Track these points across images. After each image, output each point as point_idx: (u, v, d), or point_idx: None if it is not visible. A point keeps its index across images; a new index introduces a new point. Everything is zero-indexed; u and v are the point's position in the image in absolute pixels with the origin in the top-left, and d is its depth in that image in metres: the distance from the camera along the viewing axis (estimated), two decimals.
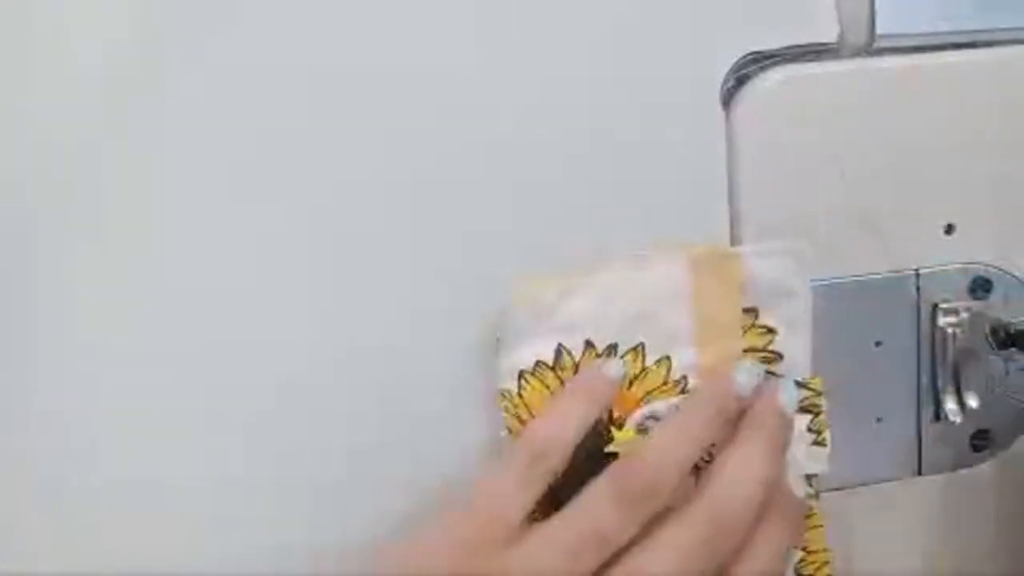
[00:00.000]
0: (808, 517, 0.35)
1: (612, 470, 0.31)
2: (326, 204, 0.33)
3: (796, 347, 0.35)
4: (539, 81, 0.33)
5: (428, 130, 0.33)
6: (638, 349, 0.34)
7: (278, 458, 0.34)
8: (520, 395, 0.33)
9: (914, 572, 0.39)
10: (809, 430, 0.34)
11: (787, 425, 0.33)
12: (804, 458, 0.34)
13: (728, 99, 0.34)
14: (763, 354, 0.34)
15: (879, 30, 0.35)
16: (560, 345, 0.34)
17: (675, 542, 0.30)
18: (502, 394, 0.34)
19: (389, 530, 0.34)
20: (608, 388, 0.33)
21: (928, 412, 0.38)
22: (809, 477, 0.35)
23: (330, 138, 0.32)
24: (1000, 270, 0.37)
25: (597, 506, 0.30)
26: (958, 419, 0.35)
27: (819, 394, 0.34)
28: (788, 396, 0.33)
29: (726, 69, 0.34)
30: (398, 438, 0.35)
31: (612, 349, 0.34)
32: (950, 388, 0.36)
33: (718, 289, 0.34)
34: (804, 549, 0.36)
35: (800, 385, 0.34)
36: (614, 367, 0.33)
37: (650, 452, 0.31)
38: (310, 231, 0.33)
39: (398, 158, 0.33)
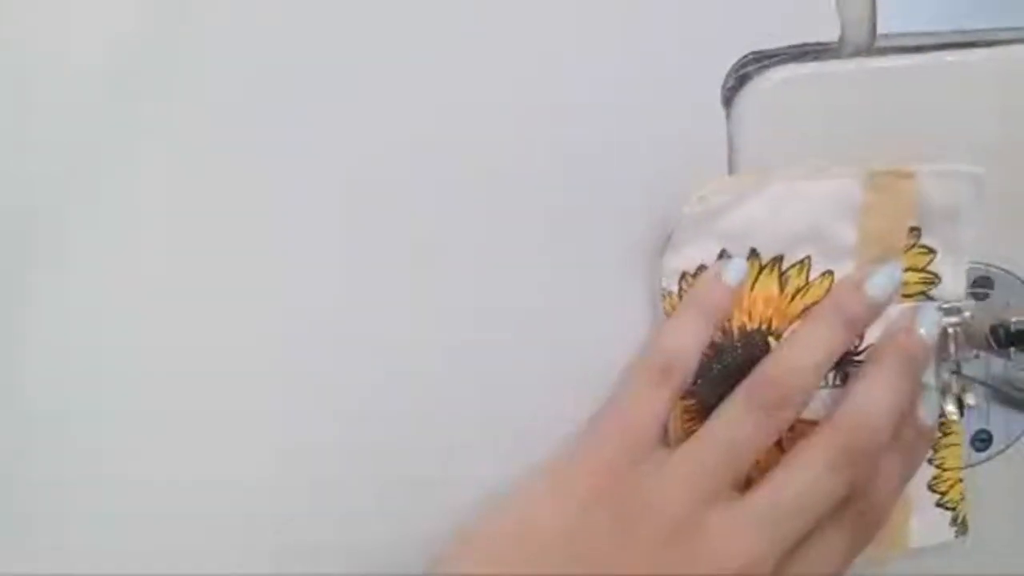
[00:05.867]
0: (947, 435, 0.36)
1: (746, 383, 0.32)
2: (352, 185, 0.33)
3: (950, 271, 0.35)
4: (538, 80, 0.33)
5: (423, 129, 0.33)
6: (804, 262, 0.34)
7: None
8: (680, 296, 0.33)
9: (915, 570, 0.39)
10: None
11: (922, 351, 0.33)
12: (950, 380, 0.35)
13: (728, 99, 0.34)
14: (922, 274, 0.34)
15: (880, 30, 0.35)
16: (724, 251, 0.33)
17: (804, 467, 0.31)
18: (663, 294, 0.33)
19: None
20: (726, 295, 0.33)
21: None
22: (957, 398, 0.35)
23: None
24: (1000, 270, 0.37)
25: (732, 417, 0.31)
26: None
27: (973, 318, 0.34)
28: (928, 321, 0.33)
29: (726, 69, 0.34)
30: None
31: (777, 261, 0.33)
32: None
33: (889, 206, 0.33)
34: (939, 467, 0.36)
35: (950, 312, 0.34)
36: (731, 272, 0.33)
37: (780, 362, 0.31)
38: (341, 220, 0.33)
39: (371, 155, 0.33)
